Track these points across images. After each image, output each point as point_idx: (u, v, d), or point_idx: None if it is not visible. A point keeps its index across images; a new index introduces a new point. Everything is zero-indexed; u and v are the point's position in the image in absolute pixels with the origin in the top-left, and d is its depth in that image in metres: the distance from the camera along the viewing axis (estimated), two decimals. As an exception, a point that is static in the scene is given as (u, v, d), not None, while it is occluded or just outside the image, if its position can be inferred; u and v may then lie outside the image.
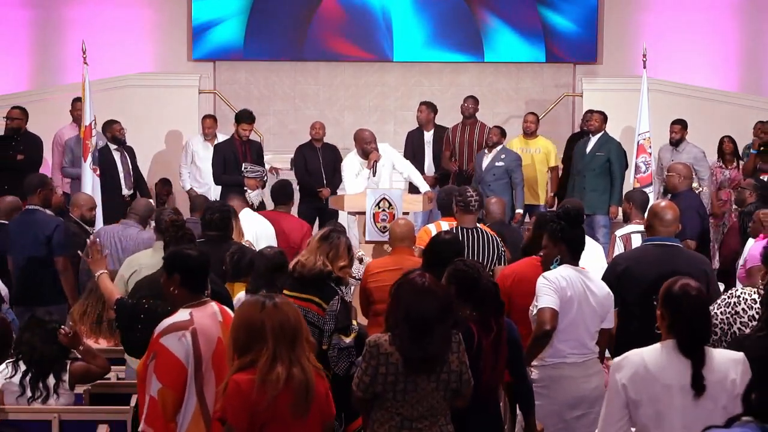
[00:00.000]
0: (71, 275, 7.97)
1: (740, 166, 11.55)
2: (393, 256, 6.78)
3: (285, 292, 5.45)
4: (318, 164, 11.05)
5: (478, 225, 7.03)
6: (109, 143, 10.92)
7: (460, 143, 11.37)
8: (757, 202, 8.38)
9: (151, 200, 9.62)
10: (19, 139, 11.13)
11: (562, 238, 5.38)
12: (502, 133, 11.09)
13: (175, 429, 4.40)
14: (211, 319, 4.52)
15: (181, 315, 4.50)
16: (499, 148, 10.84)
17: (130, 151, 11.11)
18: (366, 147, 9.75)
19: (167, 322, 4.51)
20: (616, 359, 3.97)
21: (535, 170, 11.41)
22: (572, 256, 5.36)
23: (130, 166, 11.00)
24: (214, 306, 4.58)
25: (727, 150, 11.61)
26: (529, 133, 11.59)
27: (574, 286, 5.24)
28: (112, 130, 10.95)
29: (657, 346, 3.93)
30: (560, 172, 11.72)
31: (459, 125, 11.52)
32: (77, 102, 11.52)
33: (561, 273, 5.29)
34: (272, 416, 3.85)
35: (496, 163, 10.73)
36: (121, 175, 10.88)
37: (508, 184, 10.71)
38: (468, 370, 4.35)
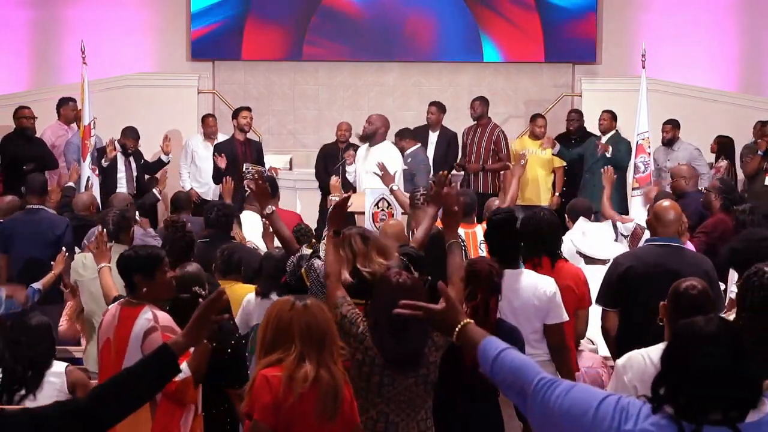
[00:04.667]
0: None
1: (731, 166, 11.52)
2: None
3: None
4: (338, 163, 10.97)
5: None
6: (116, 144, 10.89)
7: (469, 145, 11.32)
8: (723, 204, 8.24)
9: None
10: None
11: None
12: (413, 137, 10.53)
13: None
14: (110, 317, 4.89)
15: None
16: (411, 149, 10.23)
17: (136, 155, 11.09)
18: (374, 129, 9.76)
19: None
20: (620, 361, 3.89)
21: (540, 170, 11.36)
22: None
23: (134, 169, 10.95)
24: (116, 308, 4.90)
25: (711, 150, 11.60)
26: (540, 137, 11.48)
27: None
28: (127, 140, 10.94)
29: (661, 346, 3.84)
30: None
31: (472, 127, 11.47)
32: (71, 102, 11.55)
33: None
34: (297, 416, 3.81)
35: (403, 166, 10.08)
36: (120, 176, 10.86)
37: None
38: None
